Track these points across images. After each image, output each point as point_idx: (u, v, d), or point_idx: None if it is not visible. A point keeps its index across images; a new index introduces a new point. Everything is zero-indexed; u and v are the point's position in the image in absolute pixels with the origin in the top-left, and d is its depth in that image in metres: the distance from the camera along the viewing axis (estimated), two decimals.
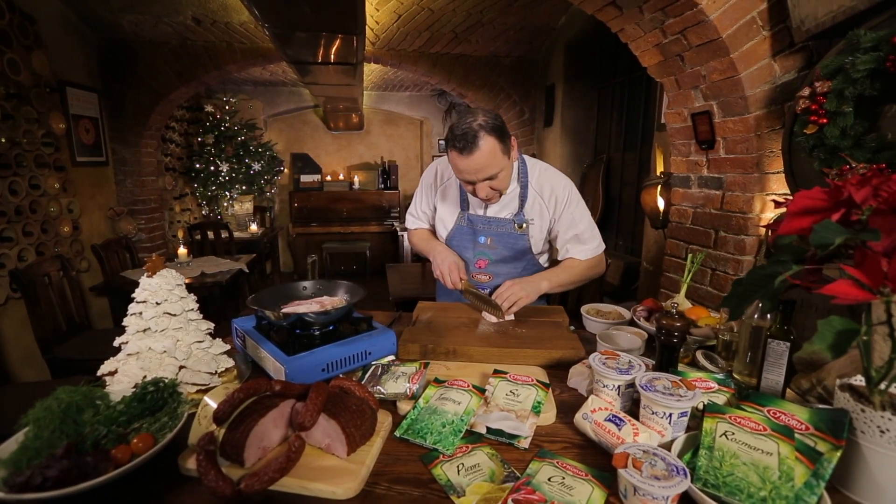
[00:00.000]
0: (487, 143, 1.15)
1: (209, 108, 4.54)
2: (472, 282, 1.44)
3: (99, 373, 0.94)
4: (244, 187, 4.68)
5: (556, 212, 1.38)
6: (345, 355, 1.00)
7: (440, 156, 7.04)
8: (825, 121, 1.28)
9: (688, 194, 1.98)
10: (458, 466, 0.73)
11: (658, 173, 2.31)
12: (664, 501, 0.61)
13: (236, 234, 4.32)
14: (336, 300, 1.18)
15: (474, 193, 1.29)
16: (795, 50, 1.52)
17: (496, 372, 0.95)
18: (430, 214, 1.56)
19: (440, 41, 3.77)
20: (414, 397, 0.90)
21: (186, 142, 4.61)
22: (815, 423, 0.70)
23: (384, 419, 0.83)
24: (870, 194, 0.61)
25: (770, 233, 1.65)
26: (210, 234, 3.95)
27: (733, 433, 0.70)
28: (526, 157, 1.42)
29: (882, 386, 0.66)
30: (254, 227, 4.62)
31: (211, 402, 0.75)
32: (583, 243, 1.40)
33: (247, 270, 3.37)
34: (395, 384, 0.94)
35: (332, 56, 2.73)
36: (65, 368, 2.36)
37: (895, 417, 0.62)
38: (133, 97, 3.34)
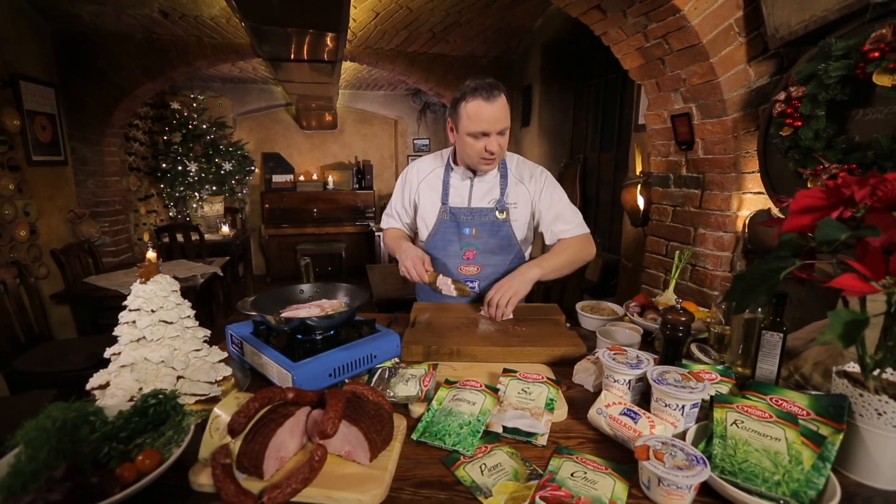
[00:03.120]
0: (503, 97, 1.27)
1: (175, 106, 4.34)
2: (459, 276, 1.46)
3: (88, 386, 0.88)
4: (214, 188, 4.51)
5: (535, 193, 1.44)
6: (351, 359, 0.98)
7: (415, 155, 7.02)
8: (800, 123, 1.36)
9: (667, 193, 2.06)
10: (480, 467, 0.73)
11: (637, 173, 2.39)
12: (687, 490, 0.63)
13: (207, 237, 4.16)
14: (335, 303, 1.16)
15: (484, 151, 1.31)
16: (768, 56, 1.60)
17: (506, 371, 0.96)
18: (407, 213, 1.57)
19: (418, 40, 3.76)
20: (426, 399, 0.89)
21: (151, 140, 4.39)
22: (815, 408, 0.74)
23: (399, 423, 0.82)
24: (868, 193, 0.66)
25: (747, 229, 1.74)
26: (179, 237, 3.78)
27: (742, 421, 0.73)
28: None
29: (875, 372, 0.71)
30: (225, 229, 4.45)
31: (223, 414, 0.72)
32: (566, 222, 1.44)
33: (221, 274, 3.25)
34: (406, 387, 0.93)
35: (312, 53, 2.67)
36: (24, 382, 2.21)
37: (892, 400, 0.66)
38: (94, 93, 3.15)
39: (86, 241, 3.11)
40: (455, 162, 1.46)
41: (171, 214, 4.53)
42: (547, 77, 3.76)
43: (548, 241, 1.49)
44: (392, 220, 1.61)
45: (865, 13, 1.23)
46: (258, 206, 6.06)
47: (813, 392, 0.86)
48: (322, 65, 2.97)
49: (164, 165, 4.23)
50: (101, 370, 0.91)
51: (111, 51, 3.16)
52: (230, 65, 4.28)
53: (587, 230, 1.47)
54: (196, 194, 4.43)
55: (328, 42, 2.49)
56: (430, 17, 3.36)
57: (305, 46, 2.60)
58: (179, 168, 4.25)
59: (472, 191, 1.44)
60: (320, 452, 0.66)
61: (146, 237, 4.09)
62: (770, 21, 1.47)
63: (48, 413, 0.71)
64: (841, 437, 0.68)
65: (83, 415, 0.74)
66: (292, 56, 2.79)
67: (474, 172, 1.43)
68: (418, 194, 1.50)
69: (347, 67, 4.64)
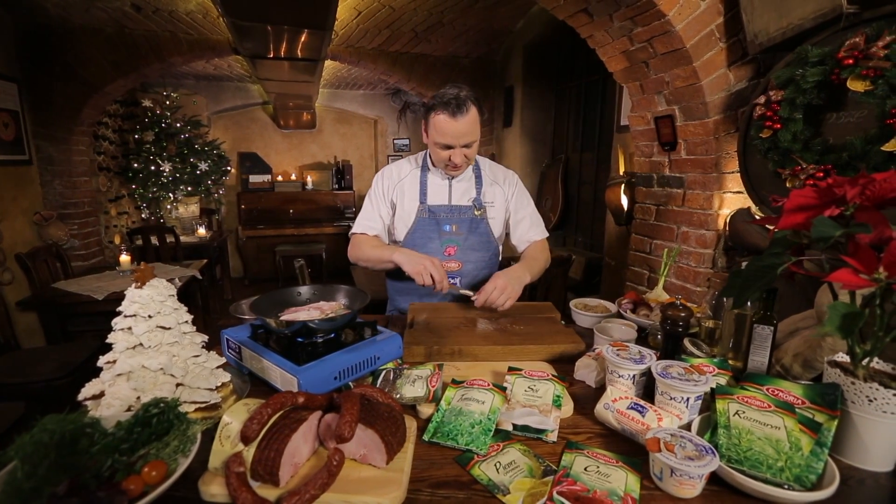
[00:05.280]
0: (473, 111, 1.30)
1: (147, 103, 4.18)
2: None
3: (81, 397, 0.85)
4: (189, 188, 4.36)
5: (509, 195, 1.52)
6: (355, 362, 0.97)
7: (395, 155, 6.98)
8: (779, 126, 1.43)
9: (651, 192, 2.12)
10: (495, 465, 0.73)
11: (621, 173, 2.44)
12: (699, 479, 0.65)
13: (182, 239, 4.02)
14: (334, 305, 1.14)
15: (448, 161, 1.36)
16: (747, 61, 1.67)
17: (511, 369, 0.97)
18: (388, 215, 1.51)
19: (400, 40, 3.74)
20: (435, 399, 0.89)
21: (121, 139, 4.21)
22: (810, 397, 0.77)
23: (410, 424, 0.82)
24: (858, 192, 0.70)
25: (727, 227, 1.81)
26: (153, 239, 3.64)
27: (744, 412, 0.76)
28: None
29: (865, 361, 0.75)
30: (202, 231, 4.32)
31: (233, 421, 0.70)
32: (536, 226, 1.54)
33: (200, 277, 3.16)
34: (413, 388, 0.93)
35: (296, 51, 2.61)
36: None
37: (881, 387, 0.70)
38: (61, 89, 2.99)
39: (53, 244, 2.96)
40: (433, 163, 1.48)
41: (143, 216, 4.36)
42: (529, 78, 3.80)
43: (515, 241, 1.57)
44: (371, 225, 1.50)
45: (839, 22, 1.30)
46: (234, 207, 5.91)
47: (804, 382, 0.90)
48: (304, 63, 2.92)
49: (135, 165, 4.07)
50: (92, 379, 0.88)
51: (79, 45, 3.01)
52: (205, 62, 4.16)
53: (546, 234, 1.57)
54: (170, 195, 4.27)
55: (313, 40, 2.44)
56: (412, 16, 3.35)
57: (290, 44, 2.55)
58: (152, 168, 4.10)
59: (452, 190, 1.49)
60: (338, 457, 0.65)
61: (117, 240, 3.92)
62: (750, 28, 1.54)
63: (43, 426, 0.68)
64: (835, 423, 0.72)
65: (80, 427, 0.71)
66: (275, 54, 2.72)
67: None
68: (396, 194, 1.49)
69: (327, 66, 4.57)
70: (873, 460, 0.73)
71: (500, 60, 4.17)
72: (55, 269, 2.88)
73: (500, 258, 1.60)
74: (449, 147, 1.33)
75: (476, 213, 1.48)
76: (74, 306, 2.53)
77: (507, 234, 1.59)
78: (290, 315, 1.07)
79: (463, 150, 1.34)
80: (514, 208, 1.52)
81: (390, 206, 1.51)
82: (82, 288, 2.61)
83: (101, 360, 0.87)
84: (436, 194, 1.49)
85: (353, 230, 1.54)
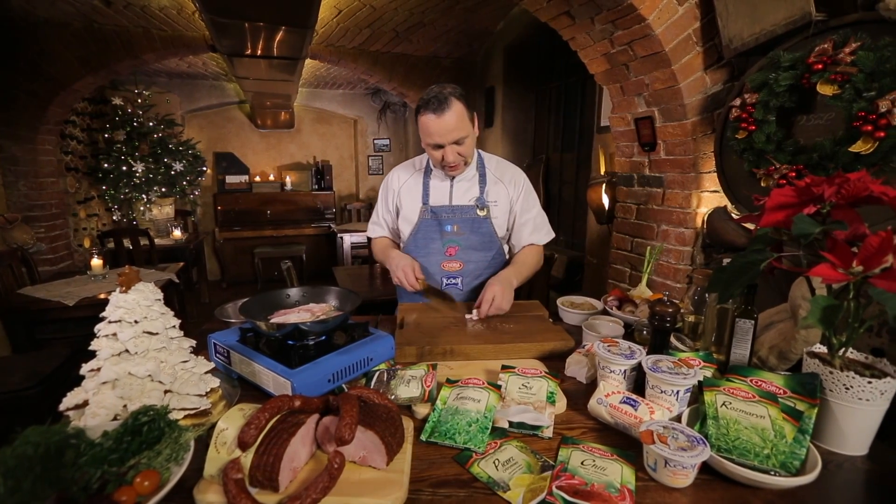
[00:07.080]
0: (457, 107, 1.28)
1: (117, 101, 4.03)
2: (442, 273, 1.49)
3: (63, 407, 0.81)
4: (164, 189, 4.22)
5: (514, 195, 1.50)
6: (348, 363, 0.96)
7: (375, 155, 6.88)
8: (753, 128, 1.49)
9: (632, 192, 2.17)
10: (494, 462, 0.74)
11: (602, 173, 2.49)
12: (692, 469, 0.68)
13: (157, 241, 3.89)
14: (325, 307, 1.13)
15: (442, 160, 1.36)
16: (722, 65, 1.73)
17: (504, 367, 0.98)
18: (391, 219, 1.59)
19: (381, 39, 3.72)
20: (430, 399, 0.89)
21: (90, 138, 4.05)
22: (791, 387, 0.81)
23: (407, 424, 0.82)
24: (835, 191, 0.73)
25: (705, 225, 1.87)
26: (126, 242, 3.52)
27: (731, 403, 0.79)
28: (479, 150, 1.53)
29: (841, 352, 0.79)
30: (177, 233, 4.19)
31: (229, 428, 0.69)
32: (538, 230, 1.54)
33: (177, 280, 3.07)
34: (407, 388, 0.92)
35: (276, 50, 2.57)
36: None
37: (857, 376, 0.74)
38: (26, 86, 2.85)
39: (18, 248, 2.82)
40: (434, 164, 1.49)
41: (114, 218, 4.20)
42: (509, 79, 3.84)
43: (513, 242, 1.56)
44: (378, 228, 1.63)
45: (809, 28, 1.36)
46: (211, 209, 5.76)
47: (783, 372, 0.94)
48: (285, 62, 2.86)
49: (105, 165, 3.91)
50: (74, 388, 0.84)
51: (45, 40, 2.88)
52: (179, 59, 4.04)
53: (552, 235, 1.57)
54: (143, 196, 4.13)
55: (294, 38, 2.40)
56: (393, 16, 3.34)
57: (270, 42, 2.50)
58: (124, 168, 3.95)
59: (453, 189, 1.49)
60: (339, 460, 0.64)
61: (87, 243, 3.77)
62: (725, 32, 1.60)
63: (26, 439, 0.65)
64: (816, 411, 0.76)
65: (65, 438, 0.68)
66: (255, 52, 2.67)
67: None
68: (399, 198, 1.54)
69: (306, 65, 4.51)
70: (850, 445, 0.77)
71: (480, 61, 4.20)
72: (20, 275, 2.74)
73: (507, 256, 1.58)
74: (439, 146, 1.33)
75: (479, 212, 1.47)
76: (42, 313, 2.41)
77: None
78: (279, 318, 1.06)
79: (454, 148, 1.33)
80: (518, 211, 1.50)
81: (394, 211, 1.56)
82: (51, 294, 2.50)
83: (84, 368, 0.83)
84: (438, 195, 1.49)
85: (367, 233, 1.67)
